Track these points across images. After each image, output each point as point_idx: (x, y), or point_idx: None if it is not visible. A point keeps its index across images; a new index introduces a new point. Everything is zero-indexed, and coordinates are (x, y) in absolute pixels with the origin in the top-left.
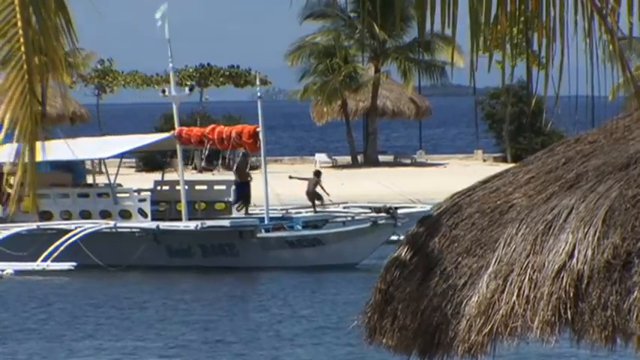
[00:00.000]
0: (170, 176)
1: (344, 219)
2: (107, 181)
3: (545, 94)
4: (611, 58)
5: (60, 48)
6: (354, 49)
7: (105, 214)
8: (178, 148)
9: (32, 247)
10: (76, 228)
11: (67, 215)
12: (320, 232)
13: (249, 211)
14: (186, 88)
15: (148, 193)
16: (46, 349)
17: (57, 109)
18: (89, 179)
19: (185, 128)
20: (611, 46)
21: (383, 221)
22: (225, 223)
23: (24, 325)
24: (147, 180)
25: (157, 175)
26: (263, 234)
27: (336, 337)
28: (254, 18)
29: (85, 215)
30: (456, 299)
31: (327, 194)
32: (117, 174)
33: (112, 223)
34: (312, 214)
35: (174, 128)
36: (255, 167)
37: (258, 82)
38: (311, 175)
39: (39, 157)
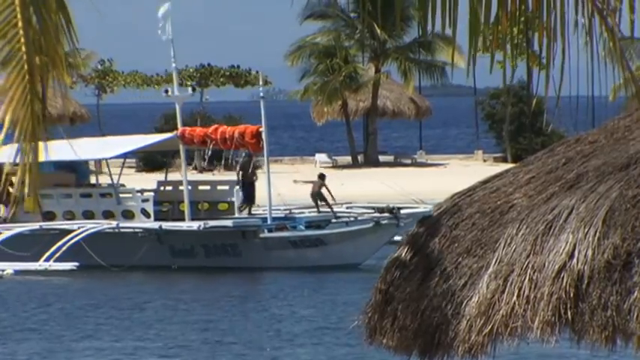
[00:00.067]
0: (171, 176)
1: (347, 219)
2: (110, 182)
3: (546, 94)
4: (612, 57)
5: (61, 48)
6: (355, 49)
7: (108, 215)
8: (181, 148)
9: (35, 248)
10: (78, 228)
11: (69, 215)
12: (322, 233)
13: (252, 212)
14: (189, 88)
15: (152, 193)
16: (46, 349)
17: (57, 109)
18: (92, 179)
19: (188, 128)
20: (611, 43)
21: (385, 221)
22: (228, 223)
23: (24, 325)
24: (147, 180)
25: (157, 176)
26: (266, 234)
27: (336, 337)
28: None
29: (88, 215)
30: (456, 299)
31: (333, 198)
32: (120, 174)
33: (114, 223)
34: (315, 214)
35: (175, 128)
36: (255, 167)
37: (260, 82)
38: (315, 178)
39: (41, 158)
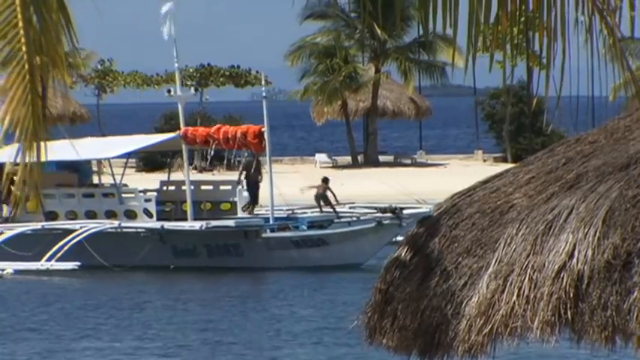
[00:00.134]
0: (172, 176)
1: (349, 219)
2: (112, 182)
3: (547, 94)
4: (612, 56)
5: (61, 47)
6: (355, 49)
7: (110, 215)
8: (184, 148)
9: (37, 247)
10: (80, 228)
11: (72, 215)
12: (324, 232)
13: (256, 212)
14: (192, 89)
15: (154, 193)
16: (45, 349)
17: (57, 109)
18: (95, 179)
19: (191, 128)
20: (610, 40)
21: (388, 221)
22: (230, 223)
23: (24, 325)
24: (147, 180)
25: (156, 175)
26: (268, 234)
27: (336, 337)
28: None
29: (91, 215)
30: (456, 299)
31: (337, 201)
32: (123, 174)
33: (116, 223)
34: (317, 214)
35: (174, 128)
36: (260, 167)
37: (263, 82)
38: (317, 181)
39: (42, 157)
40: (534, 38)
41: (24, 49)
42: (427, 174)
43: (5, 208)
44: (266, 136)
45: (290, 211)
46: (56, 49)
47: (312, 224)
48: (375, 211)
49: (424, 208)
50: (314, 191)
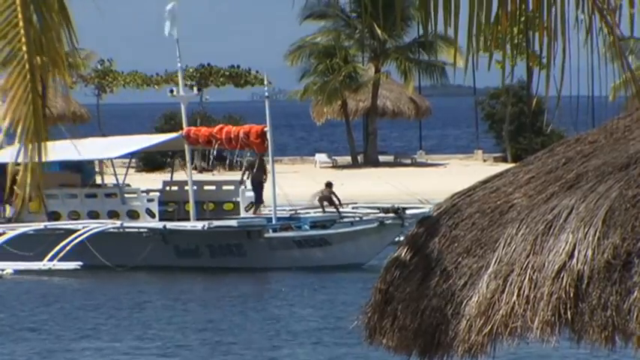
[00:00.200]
0: (171, 176)
1: (352, 219)
2: (115, 182)
3: (547, 94)
4: (612, 55)
5: (62, 47)
6: (354, 49)
7: (113, 215)
8: (187, 148)
9: (39, 247)
10: (82, 228)
11: (75, 215)
12: (327, 232)
13: (259, 212)
14: (195, 88)
15: (157, 193)
16: (45, 349)
17: (57, 109)
18: (97, 179)
19: (193, 128)
20: (611, 39)
21: (390, 221)
22: (233, 223)
23: (23, 325)
24: (147, 180)
25: (156, 175)
26: (270, 234)
27: (336, 337)
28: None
29: (93, 215)
30: (456, 299)
31: (341, 204)
32: (126, 174)
33: (118, 222)
34: (320, 214)
35: (176, 129)
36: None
37: (266, 82)
38: (322, 186)
39: (43, 157)
40: (534, 38)
41: (24, 48)
42: (427, 174)
43: (8, 208)
44: (269, 136)
45: (293, 211)
46: (57, 49)
47: (315, 224)
48: (378, 211)
49: (427, 208)
50: (312, 186)
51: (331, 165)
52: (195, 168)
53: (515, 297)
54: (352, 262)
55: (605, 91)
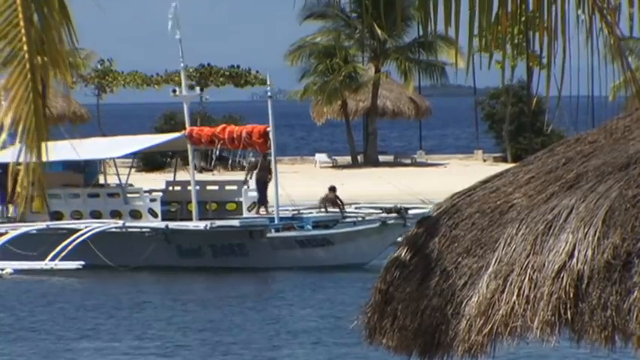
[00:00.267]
0: (171, 176)
1: (354, 219)
2: (118, 182)
3: (548, 94)
4: (612, 55)
5: (63, 47)
6: (354, 49)
7: (115, 214)
8: (189, 148)
9: (42, 247)
10: (85, 227)
11: (77, 215)
12: (329, 232)
13: (262, 212)
14: (197, 88)
15: (160, 193)
16: (46, 349)
17: (57, 109)
18: (100, 179)
19: (196, 128)
20: (611, 39)
21: (392, 221)
22: (235, 222)
23: (23, 325)
24: (147, 180)
25: (156, 175)
26: (273, 234)
27: (336, 337)
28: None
29: (96, 215)
30: (456, 299)
31: (344, 208)
32: (129, 174)
33: (120, 222)
34: (323, 214)
35: (176, 128)
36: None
37: (268, 82)
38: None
39: (44, 157)
40: (534, 38)
41: (25, 48)
42: (427, 174)
43: (11, 207)
44: (271, 135)
45: (295, 211)
46: (57, 49)
47: (317, 224)
48: (381, 211)
49: (429, 209)
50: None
51: (331, 165)
52: (194, 168)
53: (515, 297)
54: (354, 262)
55: (605, 91)
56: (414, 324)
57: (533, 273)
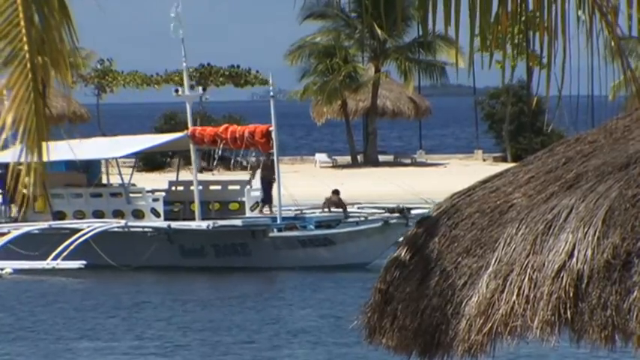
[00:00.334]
0: (170, 176)
1: (357, 219)
2: (120, 181)
3: (548, 93)
4: (612, 55)
5: (64, 46)
6: (354, 49)
7: (118, 214)
8: (192, 148)
9: (44, 247)
10: (87, 227)
11: (80, 215)
12: (331, 232)
13: (265, 211)
14: (200, 88)
15: (162, 193)
16: (46, 350)
17: (57, 108)
18: (103, 179)
19: (198, 128)
20: (612, 40)
21: (394, 221)
22: (238, 222)
23: (23, 325)
24: (147, 180)
25: (156, 175)
26: (275, 233)
27: (336, 336)
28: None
29: (98, 215)
30: (455, 299)
31: (347, 212)
32: (132, 174)
33: (122, 222)
34: (325, 214)
35: (176, 128)
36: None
37: (271, 82)
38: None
39: (44, 157)
40: (534, 38)
41: (26, 48)
42: (427, 174)
43: (14, 207)
44: (274, 135)
45: (298, 211)
46: (58, 49)
47: (320, 224)
48: (383, 211)
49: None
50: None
51: (331, 165)
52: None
53: (515, 297)
54: (357, 262)
55: (606, 91)
56: (414, 324)
57: (533, 273)
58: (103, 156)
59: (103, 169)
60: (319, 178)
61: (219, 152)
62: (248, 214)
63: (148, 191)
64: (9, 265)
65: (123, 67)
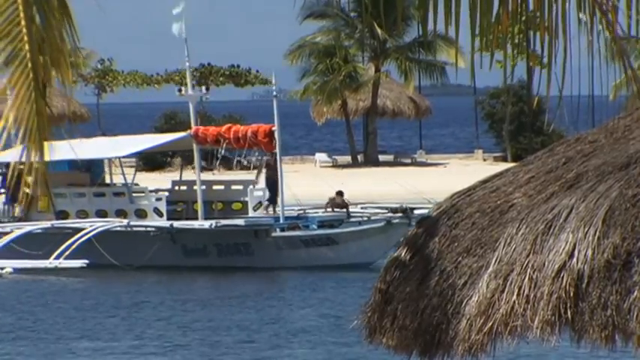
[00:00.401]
0: (170, 176)
1: (360, 219)
2: (123, 181)
3: (548, 93)
4: (613, 55)
5: (65, 46)
6: (354, 48)
7: (121, 214)
8: (195, 147)
9: (47, 246)
10: (90, 226)
11: (83, 214)
12: (334, 232)
13: (270, 211)
14: (203, 87)
15: (165, 193)
16: (45, 350)
17: (57, 108)
18: (106, 179)
19: (201, 128)
20: (611, 38)
21: (397, 221)
22: (240, 222)
23: (23, 325)
24: (148, 179)
25: (156, 175)
26: (278, 233)
27: (336, 336)
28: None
29: (101, 214)
30: (456, 299)
31: (350, 212)
32: (135, 174)
33: (125, 221)
34: (328, 213)
35: (178, 128)
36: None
37: (274, 81)
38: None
39: (46, 157)
40: (535, 37)
41: (27, 47)
42: (427, 173)
43: (17, 207)
44: (276, 135)
45: (301, 211)
46: (59, 48)
47: (323, 224)
48: (386, 211)
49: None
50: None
51: (331, 164)
52: (194, 167)
53: (515, 296)
54: (359, 262)
55: (606, 91)
56: (414, 323)
57: (534, 272)
58: (105, 155)
59: (106, 169)
60: (320, 178)
61: (222, 152)
62: (251, 213)
63: (150, 191)
64: (11, 265)
65: (123, 67)
